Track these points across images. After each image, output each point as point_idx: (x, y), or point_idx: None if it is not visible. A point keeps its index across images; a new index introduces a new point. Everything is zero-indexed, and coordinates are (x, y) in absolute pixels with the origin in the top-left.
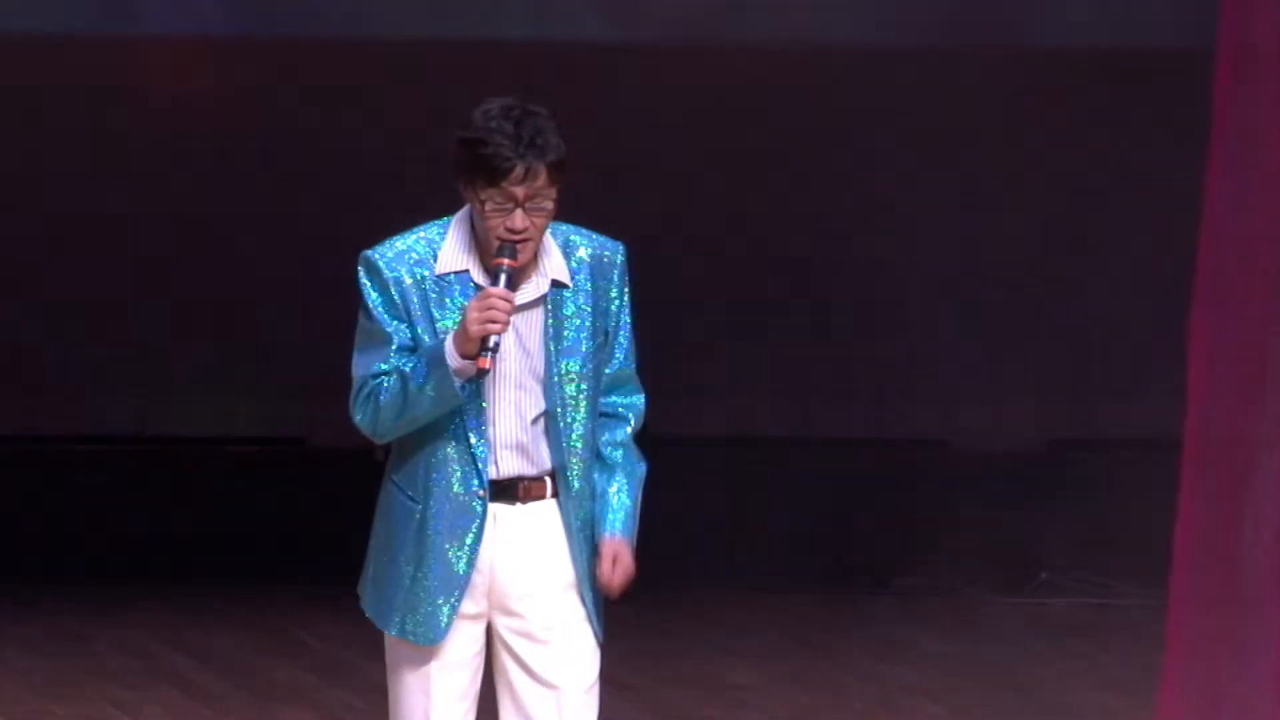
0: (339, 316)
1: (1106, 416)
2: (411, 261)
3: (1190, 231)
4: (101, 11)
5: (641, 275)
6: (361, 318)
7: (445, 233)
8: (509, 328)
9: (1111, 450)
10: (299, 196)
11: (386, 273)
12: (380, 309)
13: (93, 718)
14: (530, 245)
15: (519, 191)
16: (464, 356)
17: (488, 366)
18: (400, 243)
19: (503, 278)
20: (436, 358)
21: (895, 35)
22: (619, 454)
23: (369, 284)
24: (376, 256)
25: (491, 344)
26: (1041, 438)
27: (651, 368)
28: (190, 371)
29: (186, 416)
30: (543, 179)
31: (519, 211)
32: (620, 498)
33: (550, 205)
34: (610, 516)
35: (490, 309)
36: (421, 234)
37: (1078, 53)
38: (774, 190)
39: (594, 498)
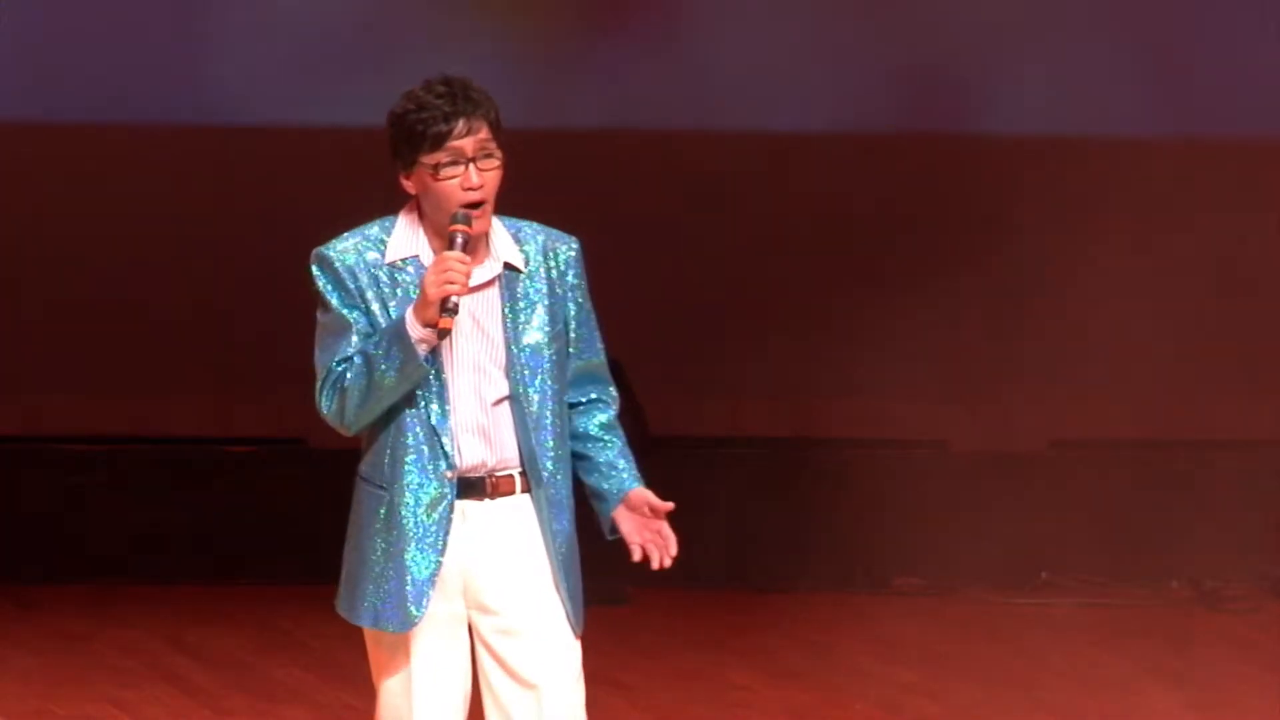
0: None
1: (1109, 416)
2: (362, 250)
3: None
4: None
5: (639, 274)
6: (319, 314)
7: (393, 224)
8: (463, 303)
9: (1112, 450)
10: (299, 196)
11: (339, 263)
12: (337, 300)
13: (93, 718)
14: (486, 211)
15: (466, 145)
16: (425, 325)
17: (449, 326)
18: (350, 236)
19: (459, 240)
20: (398, 331)
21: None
22: (609, 434)
23: (323, 277)
24: (327, 250)
25: (451, 304)
26: (1041, 438)
27: (651, 368)
28: (190, 371)
29: (186, 416)
30: (485, 131)
31: (472, 166)
32: (625, 460)
33: (497, 163)
34: (625, 476)
35: (448, 269)
36: (370, 228)
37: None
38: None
39: (571, 500)
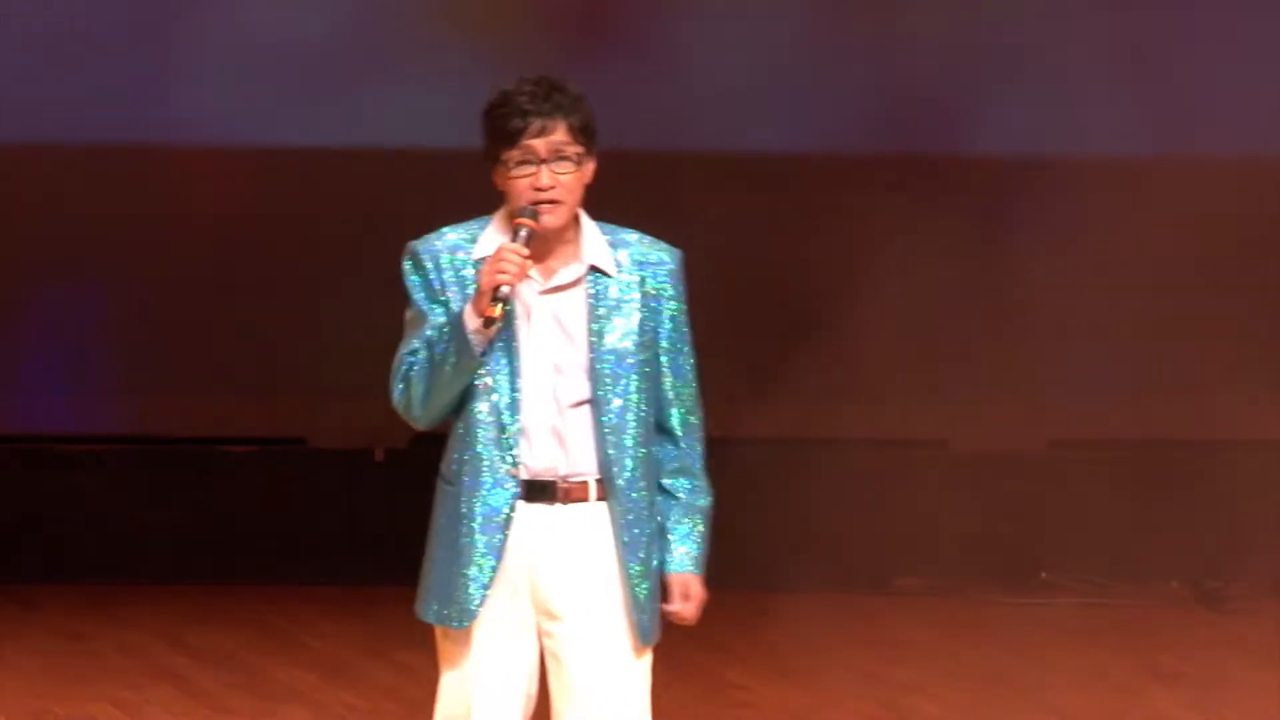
0: (340, 316)
1: (1109, 416)
2: (450, 247)
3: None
4: None
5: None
6: (406, 311)
7: (487, 224)
8: (545, 302)
9: (1112, 450)
10: (300, 195)
11: (426, 258)
12: (420, 294)
13: (93, 718)
14: (559, 210)
15: (539, 145)
16: (479, 315)
17: (496, 315)
18: (446, 231)
19: (522, 233)
20: (456, 322)
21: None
22: (679, 483)
23: (410, 271)
24: (419, 245)
25: (501, 294)
26: (1041, 438)
27: None
28: (190, 371)
29: (186, 416)
30: (561, 134)
31: (544, 168)
32: (683, 532)
33: (572, 167)
34: (673, 552)
35: (501, 260)
36: (467, 224)
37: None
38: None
39: (653, 514)
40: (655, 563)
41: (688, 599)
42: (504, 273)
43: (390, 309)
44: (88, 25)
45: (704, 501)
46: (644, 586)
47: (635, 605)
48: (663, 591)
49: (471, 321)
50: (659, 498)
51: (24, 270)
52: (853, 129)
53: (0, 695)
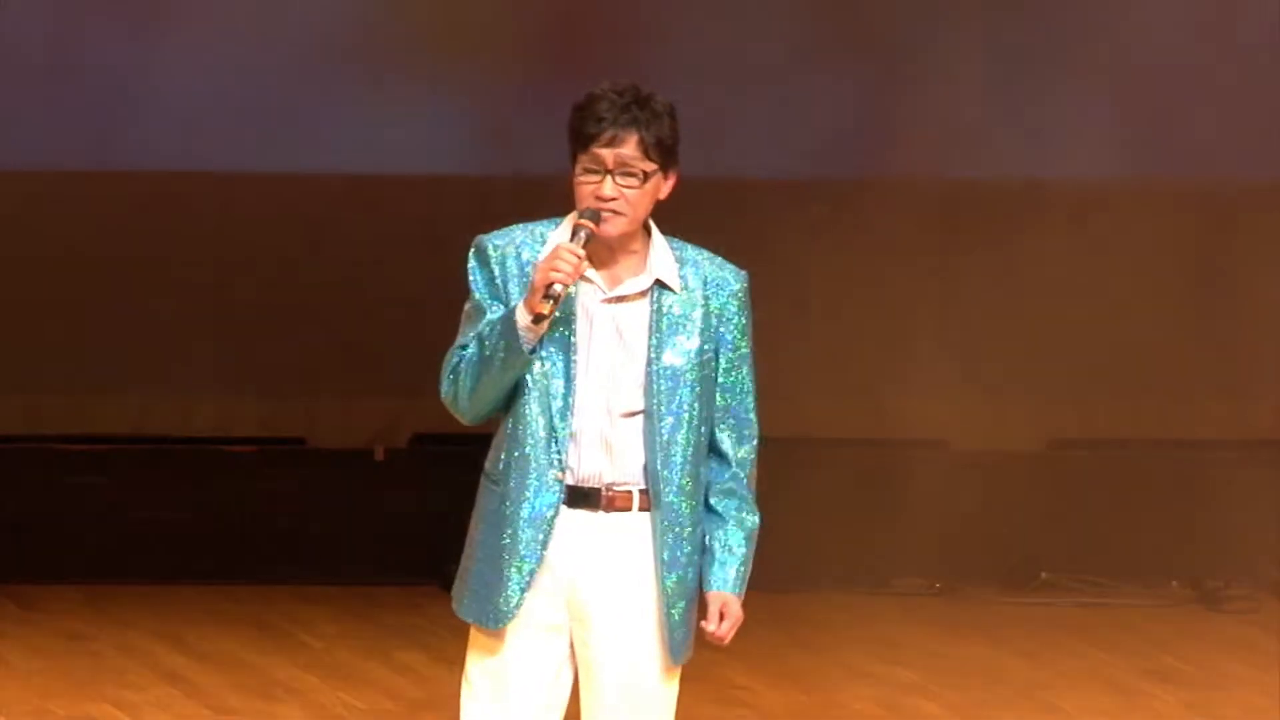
0: (340, 316)
1: (1107, 416)
2: (518, 244)
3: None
4: None
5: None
6: (466, 304)
7: (558, 224)
8: (607, 312)
9: (1112, 450)
10: (299, 194)
11: (492, 254)
12: (482, 289)
13: (93, 718)
14: (620, 220)
15: (606, 155)
16: (531, 312)
17: (546, 312)
18: (516, 229)
19: (581, 235)
20: (508, 318)
21: None
22: (727, 503)
23: (475, 265)
24: (486, 239)
25: (554, 291)
26: (1041, 438)
27: None
28: (190, 371)
29: (186, 416)
30: (632, 147)
31: (608, 178)
32: (727, 552)
33: (637, 182)
34: (715, 571)
35: (557, 258)
36: (539, 223)
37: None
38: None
39: (695, 534)
40: (693, 582)
41: (724, 619)
42: (558, 270)
43: (391, 310)
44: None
45: (751, 523)
46: (680, 605)
47: (669, 623)
48: (701, 609)
49: (523, 318)
50: (705, 517)
51: (23, 269)
52: (850, 150)
53: (0, 695)
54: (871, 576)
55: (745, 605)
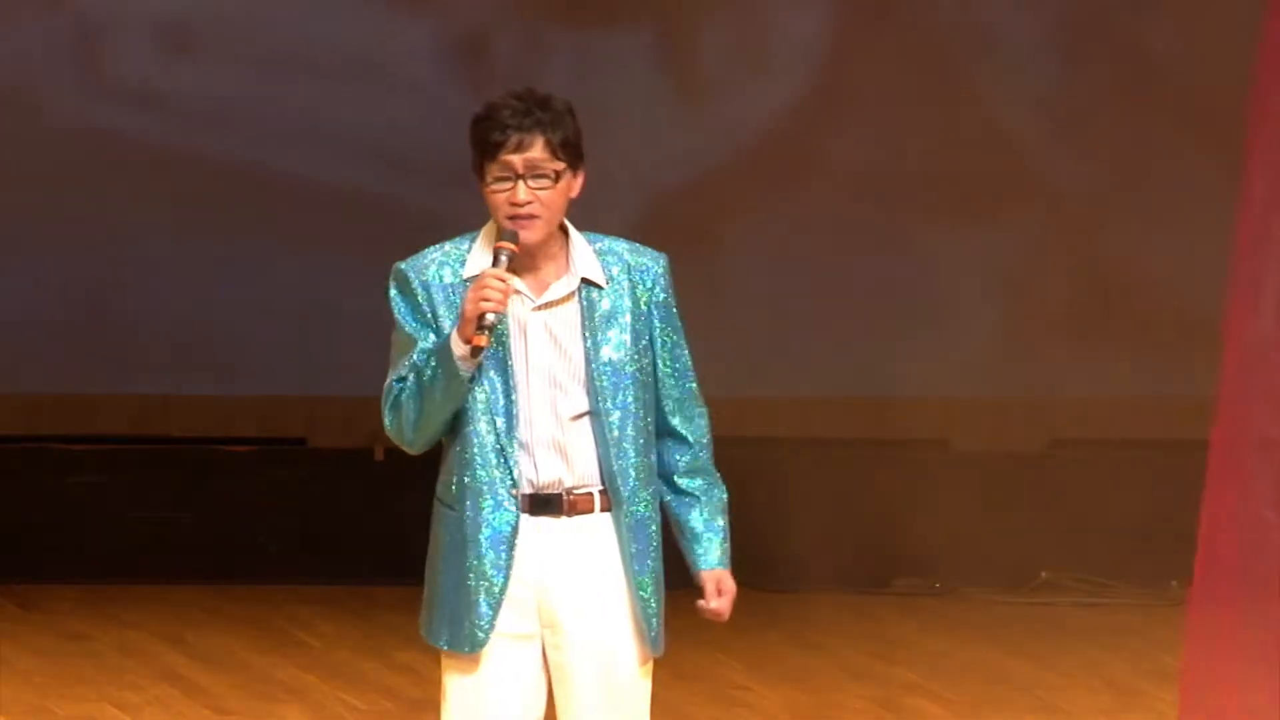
0: (339, 316)
1: (1109, 416)
2: (438, 267)
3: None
4: None
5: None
6: (393, 333)
7: (474, 240)
8: (540, 318)
9: (1112, 450)
10: (300, 194)
11: (414, 280)
12: (408, 318)
13: (93, 718)
14: (538, 224)
15: (516, 161)
16: (466, 342)
17: (483, 344)
18: (432, 252)
19: (502, 258)
20: (442, 347)
21: None
22: (695, 482)
23: (397, 295)
24: (405, 267)
25: (488, 321)
26: (1041, 438)
27: None
28: (190, 370)
29: (186, 416)
30: (539, 149)
31: (520, 184)
32: (708, 529)
33: (551, 182)
34: (701, 550)
35: (485, 288)
36: (450, 244)
37: None
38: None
39: (657, 520)
40: (660, 568)
41: (721, 594)
42: (488, 300)
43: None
44: None
45: (721, 496)
46: (652, 594)
47: (644, 614)
48: (696, 590)
49: (459, 348)
50: (675, 500)
51: (22, 268)
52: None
53: (0, 695)
54: (871, 576)
55: (745, 605)
